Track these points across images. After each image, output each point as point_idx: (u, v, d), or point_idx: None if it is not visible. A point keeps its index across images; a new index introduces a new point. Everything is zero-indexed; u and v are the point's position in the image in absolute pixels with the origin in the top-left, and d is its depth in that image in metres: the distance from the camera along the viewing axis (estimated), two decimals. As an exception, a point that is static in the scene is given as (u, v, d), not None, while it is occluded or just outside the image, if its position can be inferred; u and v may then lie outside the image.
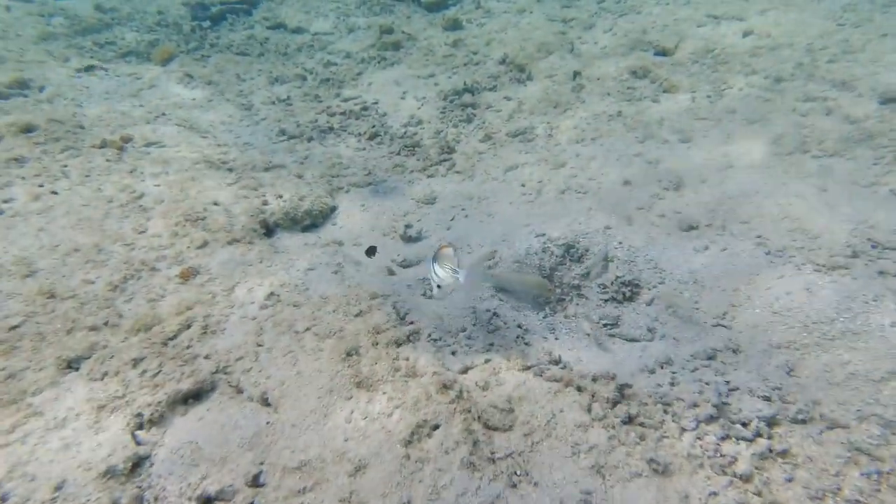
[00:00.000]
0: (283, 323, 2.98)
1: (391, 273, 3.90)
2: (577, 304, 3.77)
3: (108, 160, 4.31)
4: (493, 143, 5.72)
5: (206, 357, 2.67)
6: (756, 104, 5.73)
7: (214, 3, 10.47)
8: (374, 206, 4.77)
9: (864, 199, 4.12)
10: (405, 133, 5.99)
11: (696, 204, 4.42)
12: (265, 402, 2.49)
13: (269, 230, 4.07)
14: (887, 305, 3.05)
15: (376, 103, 6.68)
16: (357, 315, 3.20)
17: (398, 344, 2.99)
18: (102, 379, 2.49)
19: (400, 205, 4.81)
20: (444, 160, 5.43)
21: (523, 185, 4.97)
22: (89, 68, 6.91)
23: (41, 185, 3.83)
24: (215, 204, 3.96)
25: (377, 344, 2.92)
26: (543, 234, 4.25)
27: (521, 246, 4.19)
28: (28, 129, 4.55)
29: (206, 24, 9.80)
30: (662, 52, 7.46)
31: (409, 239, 4.36)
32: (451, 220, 4.62)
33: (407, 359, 2.85)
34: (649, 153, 5.21)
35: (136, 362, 2.54)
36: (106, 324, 2.77)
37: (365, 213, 4.66)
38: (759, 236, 3.94)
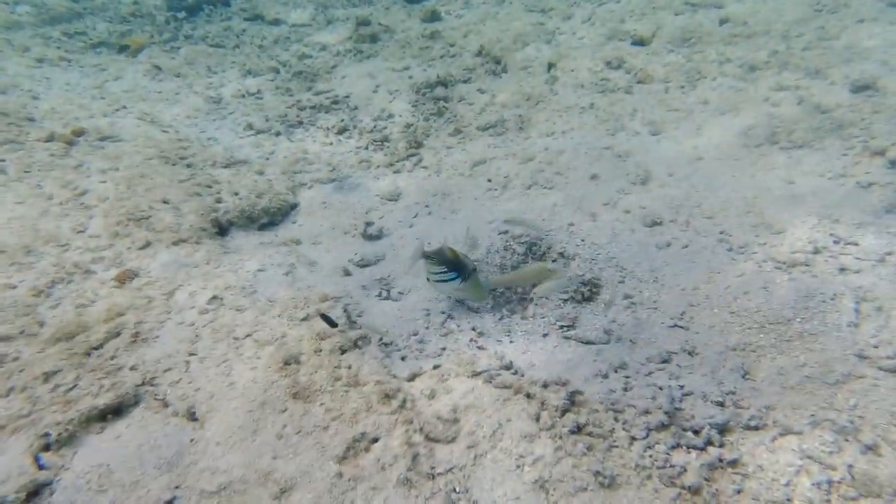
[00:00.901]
0: (222, 329, 2.81)
1: (347, 273, 3.72)
2: (537, 304, 3.61)
3: (52, 155, 4.09)
4: (463, 137, 5.52)
5: (132, 368, 2.50)
6: (728, 94, 5.56)
7: (192, -6, 10.14)
8: (337, 202, 4.58)
9: (830, 192, 3.96)
10: (375, 127, 5.78)
11: (662, 198, 4.25)
12: (191, 417, 2.33)
13: (222, 229, 3.88)
14: (845, 304, 2.91)
15: (348, 97, 6.45)
16: (304, 319, 3.03)
17: (343, 350, 2.83)
18: (7, 395, 2.31)
19: (363, 201, 4.62)
20: (412, 155, 5.23)
21: (490, 181, 4.79)
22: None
23: (-24, 184, 3.61)
24: (164, 202, 3.76)
25: (320, 351, 2.76)
26: (506, 232, 4.09)
27: (483, 244, 4.02)
28: None
29: (182, 14, 9.48)
30: (640, 42, 7.25)
31: (369, 237, 4.18)
32: (415, 217, 4.44)
33: (349, 367, 2.69)
34: (619, 146, 5.03)
35: (48, 376, 2.36)
36: (21, 333, 2.58)
37: (326, 210, 4.48)
38: (722, 232, 3.79)
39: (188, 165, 4.54)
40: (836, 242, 3.41)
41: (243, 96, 6.42)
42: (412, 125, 5.77)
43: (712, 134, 4.98)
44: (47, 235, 3.23)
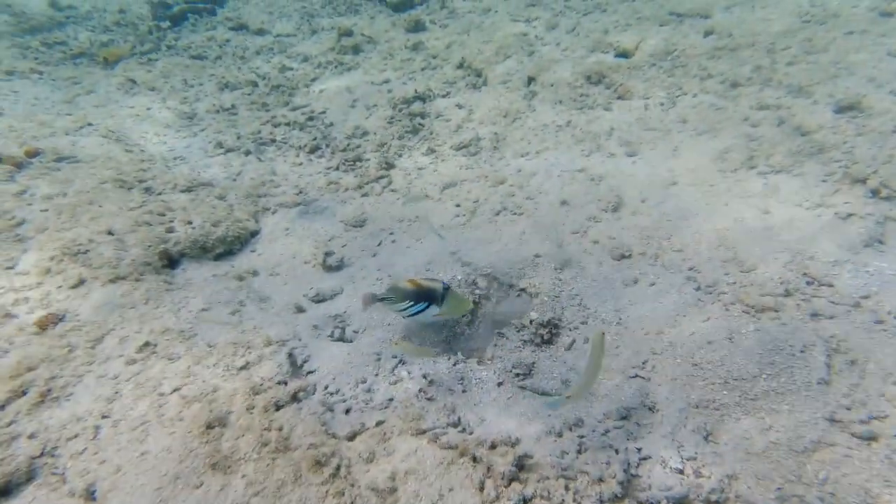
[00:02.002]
0: (147, 383, 2.56)
1: (300, 310, 3.46)
2: (496, 345, 3.35)
3: (-6, 182, 3.83)
4: (436, 157, 5.25)
5: (31, 436, 2.25)
6: (708, 113, 5.27)
7: (178, 2, 9.84)
8: (300, 229, 4.31)
9: (806, 223, 3.69)
10: (348, 146, 5.51)
11: (632, 228, 3.98)
12: (90, 497, 2.08)
13: (171, 261, 3.62)
14: (816, 359, 2.64)
15: (324, 112, 6.18)
16: (242, 368, 2.77)
17: (278, 406, 2.58)
18: None
19: (327, 228, 4.35)
20: (382, 177, 4.96)
21: (458, 206, 4.52)
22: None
23: None
24: (109, 233, 3.49)
25: (252, 408, 2.51)
26: (470, 264, 3.82)
27: (444, 276, 3.76)
28: None
29: (166, 24, 9.18)
30: (623, 54, 6.96)
31: (329, 268, 3.92)
32: (378, 245, 4.18)
33: (280, 428, 2.43)
34: (593, 168, 4.76)
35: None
36: None
37: (288, 237, 4.21)
38: (691, 268, 3.52)
39: (146, 189, 4.28)
40: (809, 283, 3.14)
41: (218, 111, 6.15)
42: (385, 144, 5.49)
43: (689, 156, 4.70)
44: (-30, 277, 2.98)
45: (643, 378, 2.84)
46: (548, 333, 3.29)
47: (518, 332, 3.42)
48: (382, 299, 3.06)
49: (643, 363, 2.91)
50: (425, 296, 2.99)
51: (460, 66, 7.06)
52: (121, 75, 6.69)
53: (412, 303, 3.00)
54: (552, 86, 6.17)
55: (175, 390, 2.53)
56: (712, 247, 3.60)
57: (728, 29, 6.77)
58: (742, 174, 4.32)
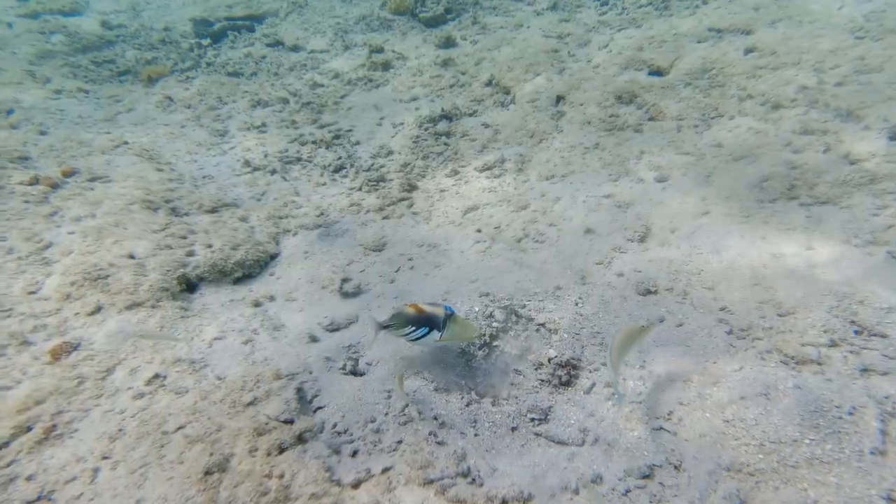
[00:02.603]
0: (152, 420, 2.48)
1: (314, 340, 3.36)
2: (512, 384, 3.17)
3: (26, 202, 3.88)
4: (459, 179, 5.10)
5: (29, 478, 2.19)
6: (746, 136, 4.95)
7: (219, 20, 10.04)
8: (319, 252, 4.23)
9: (854, 263, 3.36)
10: (372, 165, 5.43)
11: (660, 261, 3.73)
12: (82, 547, 2.01)
13: (190, 286, 3.58)
14: (868, 423, 2.35)
15: (350, 131, 6.12)
16: (249, 404, 2.67)
17: (282, 449, 2.46)
18: None
19: (346, 252, 4.26)
20: (404, 199, 4.84)
21: (479, 231, 4.35)
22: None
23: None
24: (130, 257, 3.48)
25: (255, 451, 2.40)
26: (488, 294, 3.65)
27: (462, 307, 3.59)
28: None
29: (207, 41, 9.37)
30: (657, 72, 6.67)
31: (346, 294, 3.81)
32: (396, 271, 4.05)
33: (281, 476, 2.31)
34: (621, 194, 4.51)
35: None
36: None
37: (307, 261, 4.13)
38: (723, 309, 3.24)
39: (172, 210, 4.28)
40: (857, 332, 2.83)
41: (248, 129, 6.17)
42: (409, 164, 5.38)
43: (724, 183, 4.40)
44: (-8, 300, 3.00)
45: (668, 431, 2.60)
46: (566, 374, 3.08)
47: (535, 369, 3.23)
48: (387, 326, 2.97)
49: (669, 414, 2.67)
50: (426, 321, 2.95)
51: (489, 83, 6.91)
52: (159, 93, 6.82)
53: (414, 328, 2.96)
54: (581, 105, 5.94)
55: (179, 428, 2.45)
56: (747, 285, 3.32)
57: (771, 46, 6.40)
58: (782, 205, 4.01)
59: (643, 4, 8.91)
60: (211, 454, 2.30)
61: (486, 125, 5.96)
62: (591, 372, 3.08)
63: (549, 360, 3.22)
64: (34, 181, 4.14)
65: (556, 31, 8.32)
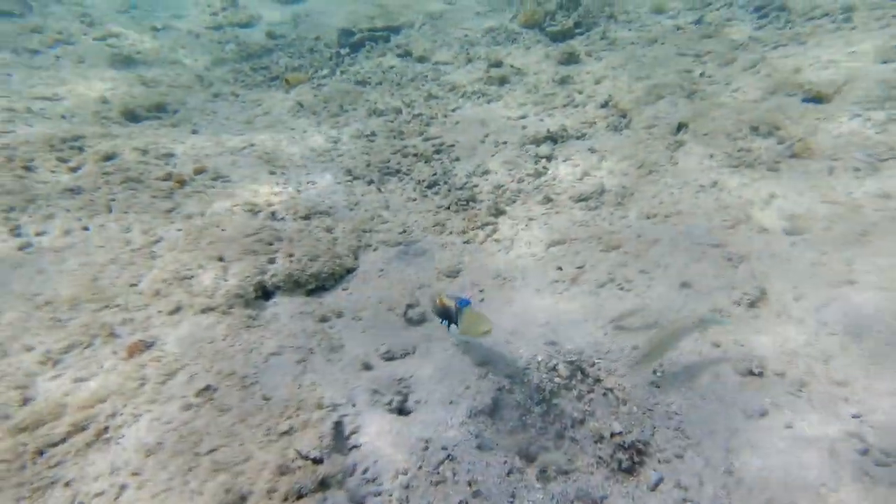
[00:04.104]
0: (190, 437, 2.47)
1: (367, 367, 3.19)
2: (566, 454, 2.71)
3: (154, 196, 4.23)
4: (551, 207, 4.62)
5: (67, 484, 2.25)
6: (924, 192, 3.81)
7: (361, 30, 10.48)
8: (394, 271, 4.08)
9: None
10: (465, 184, 5.17)
11: (772, 334, 2.96)
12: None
13: (266, 293, 3.64)
14: None
15: (453, 146, 5.92)
16: (284, 433, 2.57)
17: (300, 495, 2.31)
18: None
19: (421, 273, 4.05)
20: (489, 224, 4.51)
21: (560, 269, 3.87)
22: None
23: (79, 219, 3.82)
24: (219, 259, 3.63)
25: (273, 493, 2.27)
26: (555, 343, 3.20)
27: (525, 352, 3.20)
28: (108, 158, 4.67)
29: (345, 50, 9.82)
30: (815, 98, 5.49)
31: (409, 321, 3.60)
32: (465, 301, 3.75)
33: (289, 524, 2.16)
34: (734, 244, 3.72)
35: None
36: None
37: (381, 279, 4.00)
38: (857, 416, 2.45)
39: (272, 214, 4.44)
40: None
41: (359, 137, 6.28)
42: (503, 186, 5.03)
43: (884, 246, 3.41)
44: (99, 288, 3.27)
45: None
46: (628, 459, 2.55)
47: (595, 442, 2.73)
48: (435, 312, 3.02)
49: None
50: (446, 314, 2.92)
51: (605, 104, 6.26)
52: (293, 99, 7.24)
53: (442, 321, 2.98)
54: (706, 135, 5.08)
55: (211, 451, 2.41)
56: (890, 392, 2.48)
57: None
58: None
59: (816, 16, 7.48)
60: (228, 490, 2.22)
61: (592, 150, 5.37)
62: (659, 463, 2.51)
63: (612, 434, 2.71)
64: (167, 177, 4.55)
65: (694, 49, 7.32)
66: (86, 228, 3.71)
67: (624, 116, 5.95)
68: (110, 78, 7.39)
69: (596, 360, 3.06)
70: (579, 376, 3.04)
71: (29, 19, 9.56)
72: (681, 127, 5.32)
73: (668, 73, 6.59)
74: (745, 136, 4.95)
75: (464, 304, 2.84)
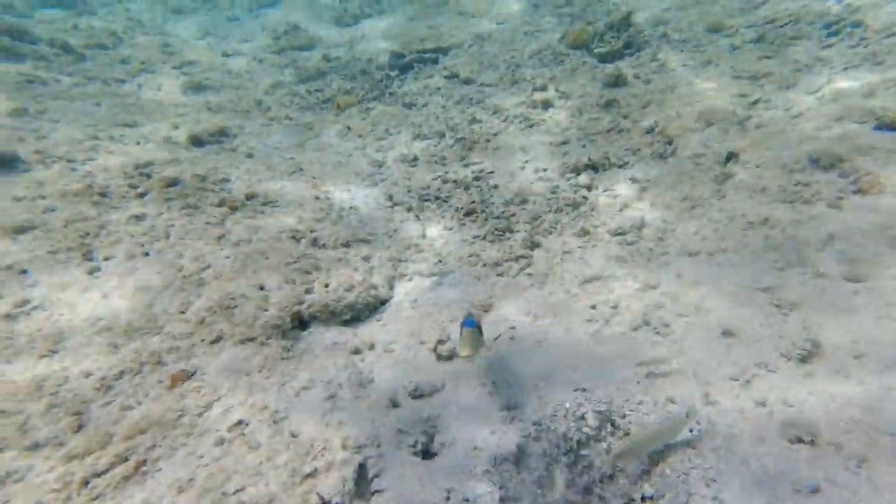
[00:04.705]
0: (220, 474, 2.54)
1: (394, 405, 3.17)
2: (588, 514, 2.57)
3: (207, 223, 4.42)
4: (588, 241, 4.47)
5: None
6: None
7: (411, 52, 10.63)
8: (427, 304, 4.06)
9: None
10: (502, 213, 5.09)
11: (827, 397, 2.70)
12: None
13: (303, 323, 3.71)
14: None
15: (493, 173, 5.86)
16: (307, 476, 2.59)
17: (316, 538, 2.31)
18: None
19: (453, 307, 4.01)
20: (523, 256, 4.41)
21: (593, 308, 3.72)
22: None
23: (142, 245, 4.04)
24: (260, 288, 3.74)
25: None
26: (585, 390, 3.07)
27: (552, 397, 3.08)
28: (172, 184, 4.93)
29: (395, 72, 9.99)
30: (889, 126, 5.02)
31: (440, 357, 3.56)
32: (495, 339, 3.67)
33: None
34: (785, 289, 3.44)
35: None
36: (52, 440, 2.66)
37: (414, 311, 4.00)
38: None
39: (314, 241, 4.54)
40: None
41: (402, 162, 6.34)
42: (540, 216, 4.91)
43: (955, 305, 3.05)
44: (152, 314, 3.45)
45: None
46: (653, 532, 2.39)
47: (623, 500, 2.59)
48: None
49: None
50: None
51: (650, 130, 6.02)
52: (342, 122, 7.42)
53: None
54: (758, 167, 4.76)
55: (238, 491, 2.45)
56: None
57: None
58: None
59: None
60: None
61: (633, 180, 5.16)
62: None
63: (643, 499, 2.56)
64: (221, 203, 4.76)
65: (751, 70, 6.91)
66: (146, 254, 3.93)
67: (670, 143, 5.69)
68: (182, 104, 7.87)
69: (627, 412, 2.90)
70: (609, 428, 2.90)
71: (119, 49, 10.35)
72: (730, 157, 5.02)
73: (721, 98, 6.25)
74: (803, 169, 4.60)
75: (468, 323, 2.88)
